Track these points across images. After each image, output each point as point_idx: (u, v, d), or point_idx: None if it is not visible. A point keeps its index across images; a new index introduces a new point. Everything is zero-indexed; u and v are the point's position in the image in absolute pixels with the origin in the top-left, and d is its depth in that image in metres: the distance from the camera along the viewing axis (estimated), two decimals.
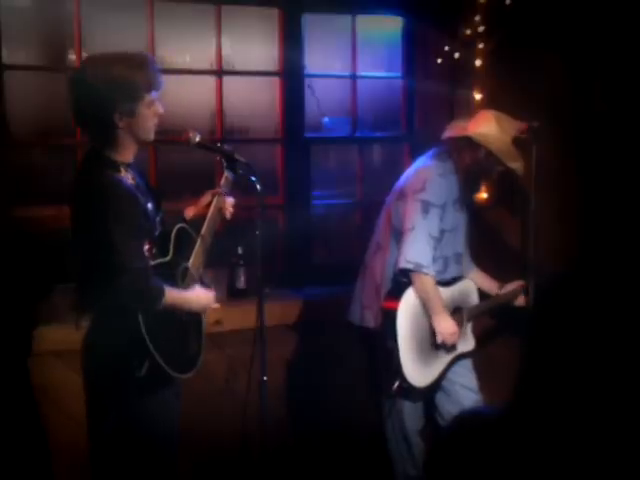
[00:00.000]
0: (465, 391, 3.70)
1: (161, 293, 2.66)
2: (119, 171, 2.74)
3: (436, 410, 3.77)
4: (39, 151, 4.03)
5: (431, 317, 3.53)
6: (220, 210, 3.01)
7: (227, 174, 3.04)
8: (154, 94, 2.77)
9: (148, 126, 2.78)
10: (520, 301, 3.80)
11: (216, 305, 2.98)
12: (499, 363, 3.97)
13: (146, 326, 2.62)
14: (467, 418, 1.94)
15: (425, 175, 3.57)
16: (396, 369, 3.44)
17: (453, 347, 3.61)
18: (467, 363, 3.75)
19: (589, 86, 4.49)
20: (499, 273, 3.96)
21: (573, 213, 4.42)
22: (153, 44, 3.99)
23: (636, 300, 1.73)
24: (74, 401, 3.05)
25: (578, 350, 1.66)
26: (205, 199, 3.06)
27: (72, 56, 3.92)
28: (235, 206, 3.07)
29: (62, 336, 3.55)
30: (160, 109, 2.80)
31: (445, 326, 3.53)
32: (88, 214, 2.69)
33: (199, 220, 2.99)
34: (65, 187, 3.81)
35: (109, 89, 2.67)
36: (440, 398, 3.74)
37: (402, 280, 3.53)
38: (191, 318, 2.88)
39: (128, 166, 2.80)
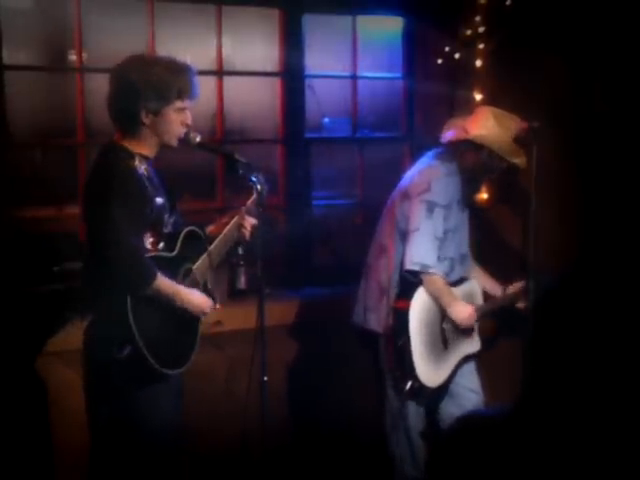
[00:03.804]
0: (467, 392, 3.69)
1: (152, 275, 2.69)
2: (134, 160, 2.81)
3: (438, 411, 3.76)
4: (39, 151, 4.03)
5: (446, 310, 3.54)
6: (239, 228, 3.05)
7: (256, 196, 3.07)
8: (185, 102, 2.84)
9: (172, 131, 2.85)
10: (522, 304, 3.77)
11: (218, 307, 3.01)
12: (499, 365, 3.98)
13: (134, 311, 2.65)
14: (468, 419, 1.94)
15: (430, 175, 3.57)
16: (409, 369, 3.44)
17: (462, 347, 3.62)
18: (470, 364, 3.75)
19: (589, 87, 4.49)
20: (499, 273, 3.96)
21: (573, 214, 4.42)
22: (153, 44, 3.98)
23: (636, 300, 1.73)
24: (75, 401, 3.05)
25: (579, 349, 1.67)
26: (228, 217, 3.10)
27: (72, 56, 3.92)
28: (252, 228, 3.09)
29: (63, 336, 3.56)
30: (188, 120, 2.87)
31: (461, 310, 3.55)
32: (95, 194, 2.77)
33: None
34: (65, 187, 3.82)
35: (142, 85, 2.77)
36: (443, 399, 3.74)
37: (412, 280, 3.54)
38: (187, 315, 2.88)
39: (145, 159, 2.86)
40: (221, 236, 3.03)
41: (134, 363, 2.70)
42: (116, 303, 2.66)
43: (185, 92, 2.83)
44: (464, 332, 3.64)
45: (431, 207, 3.50)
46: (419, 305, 3.51)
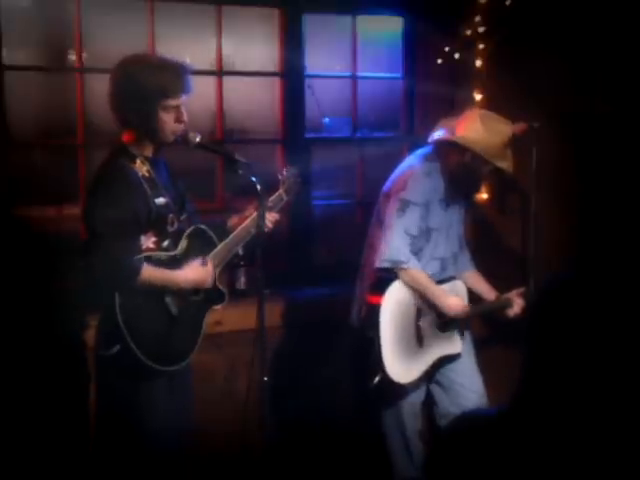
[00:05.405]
0: (466, 391, 3.69)
1: (135, 270, 2.70)
2: (134, 162, 2.81)
3: (436, 410, 3.76)
4: (39, 151, 4.03)
5: (434, 303, 3.53)
6: (258, 224, 2.98)
7: (282, 193, 3.14)
8: (175, 100, 2.79)
9: (165, 130, 2.83)
10: (512, 311, 3.74)
11: (218, 307, 3.02)
12: (499, 366, 3.97)
13: (122, 308, 2.68)
14: (467, 418, 1.94)
15: (408, 175, 3.59)
16: (377, 363, 3.43)
17: (439, 346, 3.60)
18: (471, 364, 3.74)
19: (590, 87, 4.49)
20: (498, 273, 3.96)
21: (573, 214, 4.42)
22: (153, 44, 3.98)
23: (637, 300, 1.73)
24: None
25: (578, 350, 1.66)
26: (250, 210, 3.09)
27: (72, 56, 3.92)
28: (274, 223, 3.11)
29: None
30: (183, 116, 2.83)
31: (450, 303, 3.55)
32: (88, 196, 2.83)
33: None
34: (65, 187, 3.81)
35: (123, 87, 2.76)
36: (440, 398, 3.74)
37: (387, 276, 3.53)
38: (187, 313, 2.89)
39: (148, 159, 2.86)
40: (237, 231, 3.04)
41: (125, 360, 2.73)
42: (105, 301, 2.69)
43: (171, 90, 2.77)
44: (442, 332, 3.63)
45: (404, 205, 3.50)
46: (391, 300, 3.49)
